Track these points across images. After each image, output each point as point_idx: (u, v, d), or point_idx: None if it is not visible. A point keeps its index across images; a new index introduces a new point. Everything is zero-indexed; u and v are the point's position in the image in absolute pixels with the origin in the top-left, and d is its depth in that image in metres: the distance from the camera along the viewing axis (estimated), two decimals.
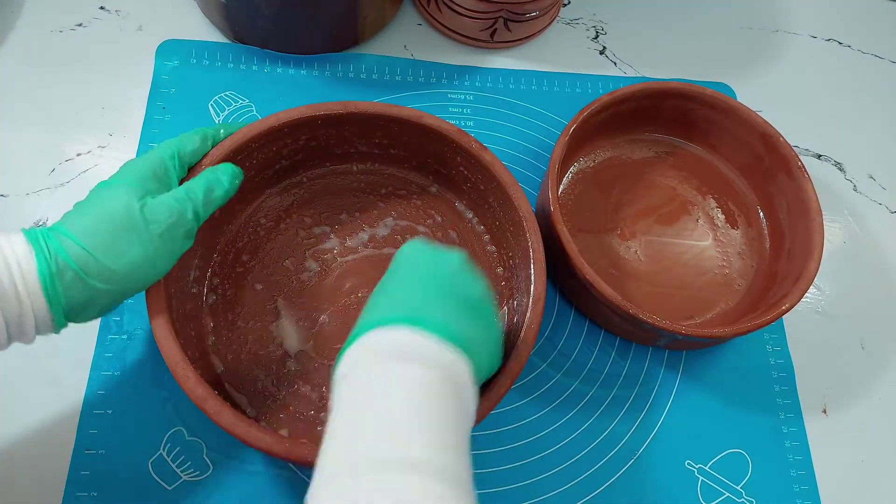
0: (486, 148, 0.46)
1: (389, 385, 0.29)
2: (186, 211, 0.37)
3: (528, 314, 0.41)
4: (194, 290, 0.45)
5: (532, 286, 0.42)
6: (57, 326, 0.34)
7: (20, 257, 0.32)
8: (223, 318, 0.46)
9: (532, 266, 0.43)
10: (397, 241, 0.50)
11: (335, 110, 0.46)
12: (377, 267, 0.49)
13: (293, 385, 0.44)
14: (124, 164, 0.38)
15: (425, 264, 0.36)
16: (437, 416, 0.28)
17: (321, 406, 0.44)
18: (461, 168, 0.48)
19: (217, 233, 0.47)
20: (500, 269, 0.50)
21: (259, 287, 0.47)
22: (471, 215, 0.51)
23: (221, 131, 0.43)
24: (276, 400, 0.44)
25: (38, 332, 0.34)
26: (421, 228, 0.51)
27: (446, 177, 0.51)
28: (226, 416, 0.35)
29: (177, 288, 0.41)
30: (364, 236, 0.50)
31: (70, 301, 0.34)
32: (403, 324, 0.31)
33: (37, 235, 0.33)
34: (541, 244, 0.43)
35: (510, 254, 0.48)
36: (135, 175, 0.37)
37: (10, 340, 0.33)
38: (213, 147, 0.42)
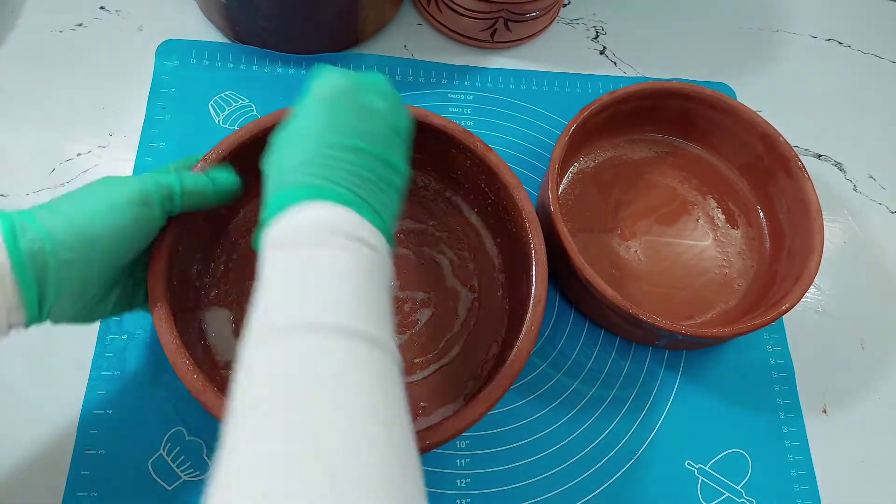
0: (490, 149, 0.46)
1: (326, 259, 0.29)
2: (164, 185, 0.36)
3: (528, 315, 0.41)
4: (197, 284, 0.45)
5: (533, 288, 0.42)
6: (29, 314, 0.33)
7: None
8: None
9: (534, 267, 0.43)
10: (400, 240, 0.50)
11: None
12: None
13: None
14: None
15: (347, 109, 0.34)
16: (370, 290, 0.29)
17: None
18: (466, 168, 0.48)
19: (220, 225, 0.47)
20: (501, 272, 0.50)
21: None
22: (474, 218, 0.51)
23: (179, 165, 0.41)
24: None
25: (10, 325, 0.32)
26: (421, 227, 0.51)
27: (449, 176, 0.51)
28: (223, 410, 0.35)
29: (179, 280, 0.41)
30: None
31: (38, 277, 0.32)
32: (335, 201, 0.31)
33: (10, 218, 0.32)
34: (543, 246, 0.43)
35: (512, 254, 0.48)
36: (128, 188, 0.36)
37: None
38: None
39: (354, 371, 0.26)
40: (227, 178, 0.40)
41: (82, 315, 0.36)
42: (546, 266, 0.43)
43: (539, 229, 0.44)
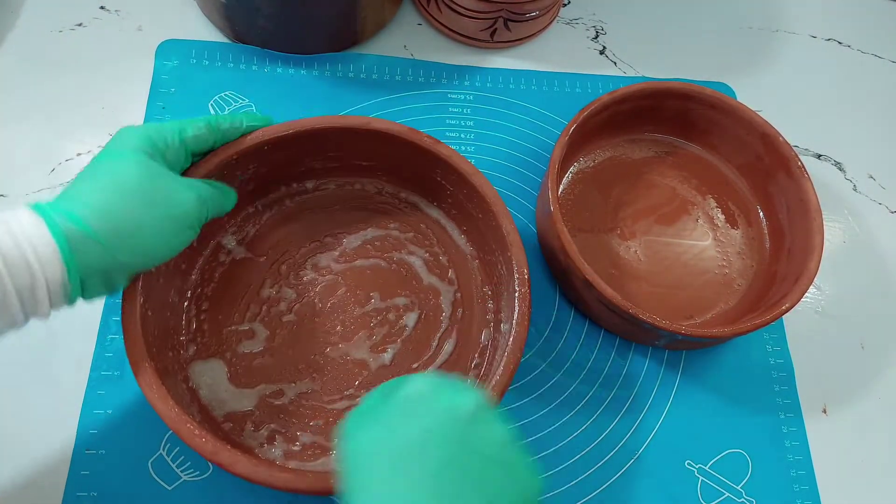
0: (439, 142, 0.45)
1: None
2: (203, 203, 0.38)
3: (516, 294, 0.42)
4: (173, 343, 0.44)
5: (515, 271, 0.42)
6: (72, 296, 0.33)
7: (27, 227, 0.31)
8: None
9: (511, 250, 0.43)
10: (367, 250, 0.50)
11: (281, 132, 0.44)
12: (358, 276, 0.49)
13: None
14: (120, 132, 0.37)
15: (437, 428, 0.29)
16: None
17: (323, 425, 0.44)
18: (418, 166, 0.48)
19: (182, 279, 0.46)
20: (475, 259, 0.50)
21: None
22: (435, 212, 0.51)
23: (227, 124, 0.42)
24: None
25: (52, 304, 0.33)
26: (384, 232, 0.50)
27: (402, 177, 0.50)
28: (242, 464, 0.35)
29: (157, 346, 0.40)
30: (336, 252, 0.49)
31: (84, 267, 0.33)
32: None
33: (44, 207, 0.33)
34: (514, 226, 0.43)
35: (483, 240, 0.48)
36: (135, 143, 0.36)
37: (26, 316, 0.32)
38: (219, 139, 0.42)
39: None
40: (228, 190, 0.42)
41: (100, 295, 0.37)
42: (522, 247, 0.43)
43: (506, 212, 0.43)
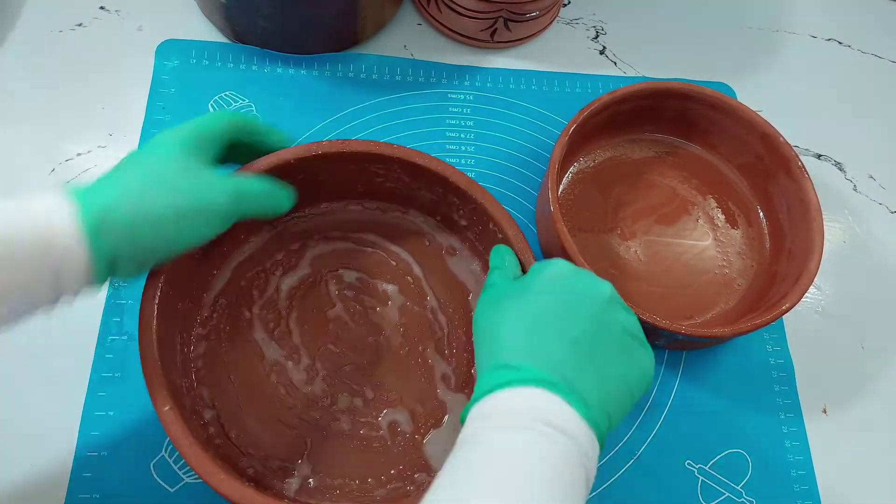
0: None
1: (527, 455, 0.29)
2: (239, 198, 0.37)
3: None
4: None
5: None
6: (99, 278, 0.33)
7: (56, 211, 0.32)
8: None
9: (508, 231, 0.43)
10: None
11: (336, 149, 0.44)
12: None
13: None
14: (161, 133, 0.38)
15: (578, 304, 0.34)
16: (566, 492, 0.28)
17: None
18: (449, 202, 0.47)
19: (184, 322, 0.44)
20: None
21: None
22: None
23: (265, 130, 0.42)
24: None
25: (79, 286, 0.33)
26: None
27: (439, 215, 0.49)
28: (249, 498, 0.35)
29: (173, 370, 0.40)
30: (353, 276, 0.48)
31: (110, 249, 0.33)
32: (554, 391, 0.30)
33: (74, 191, 0.33)
34: (505, 215, 0.43)
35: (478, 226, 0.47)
36: (173, 139, 0.37)
37: (56, 297, 0.33)
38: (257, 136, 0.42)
39: None
40: (287, 199, 0.41)
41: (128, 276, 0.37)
42: (518, 228, 0.43)
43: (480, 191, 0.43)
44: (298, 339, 0.46)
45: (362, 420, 0.44)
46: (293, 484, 0.41)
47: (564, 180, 0.55)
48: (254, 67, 0.57)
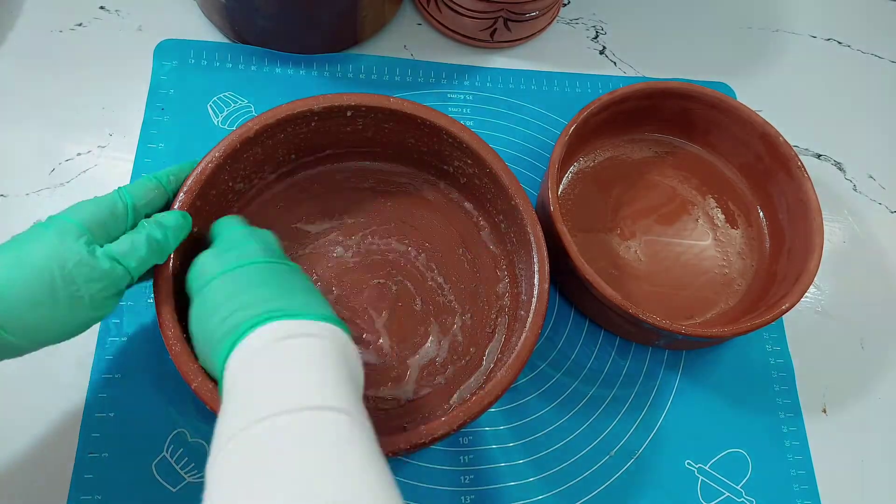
0: (464, 127, 0.46)
1: (291, 354, 0.32)
2: (118, 276, 0.35)
3: (525, 329, 0.42)
4: None
5: (535, 296, 0.43)
6: None
7: None
8: None
9: (535, 267, 0.43)
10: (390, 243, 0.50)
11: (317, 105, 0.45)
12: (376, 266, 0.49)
13: None
14: (73, 206, 0.36)
15: (256, 255, 0.37)
16: (335, 372, 0.31)
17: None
18: (455, 158, 0.48)
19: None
20: (504, 278, 0.50)
21: None
22: (475, 212, 0.51)
23: (171, 178, 0.41)
24: None
25: None
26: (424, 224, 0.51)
27: (441, 171, 0.51)
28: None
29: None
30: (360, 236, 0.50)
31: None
32: (282, 318, 0.33)
33: None
34: (541, 238, 0.44)
35: (515, 255, 0.48)
36: (79, 218, 0.35)
37: None
38: (170, 191, 0.40)
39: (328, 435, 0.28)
40: (174, 228, 0.39)
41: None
42: (548, 268, 0.43)
43: (535, 219, 0.44)
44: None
45: None
46: None
47: (564, 180, 0.55)
48: (253, 67, 0.57)
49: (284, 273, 0.37)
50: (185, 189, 0.41)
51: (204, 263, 0.37)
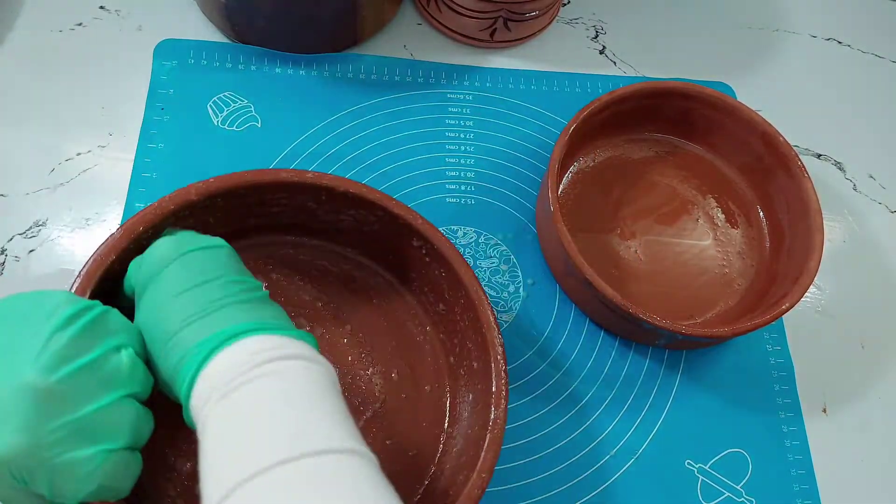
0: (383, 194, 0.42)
1: (279, 385, 0.28)
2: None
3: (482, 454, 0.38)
4: None
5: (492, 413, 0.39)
6: None
7: None
8: None
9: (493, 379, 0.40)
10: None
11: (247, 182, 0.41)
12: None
13: None
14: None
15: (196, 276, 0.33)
16: (331, 403, 0.28)
17: None
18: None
19: None
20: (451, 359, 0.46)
21: None
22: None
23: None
24: None
25: None
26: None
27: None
28: None
29: None
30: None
31: None
32: (255, 333, 0.30)
33: None
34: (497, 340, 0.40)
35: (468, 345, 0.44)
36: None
37: None
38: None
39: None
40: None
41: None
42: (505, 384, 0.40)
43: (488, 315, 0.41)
44: None
45: None
46: None
47: (564, 180, 0.55)
48: (253, 67, 0.57)
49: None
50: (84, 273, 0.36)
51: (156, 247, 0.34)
